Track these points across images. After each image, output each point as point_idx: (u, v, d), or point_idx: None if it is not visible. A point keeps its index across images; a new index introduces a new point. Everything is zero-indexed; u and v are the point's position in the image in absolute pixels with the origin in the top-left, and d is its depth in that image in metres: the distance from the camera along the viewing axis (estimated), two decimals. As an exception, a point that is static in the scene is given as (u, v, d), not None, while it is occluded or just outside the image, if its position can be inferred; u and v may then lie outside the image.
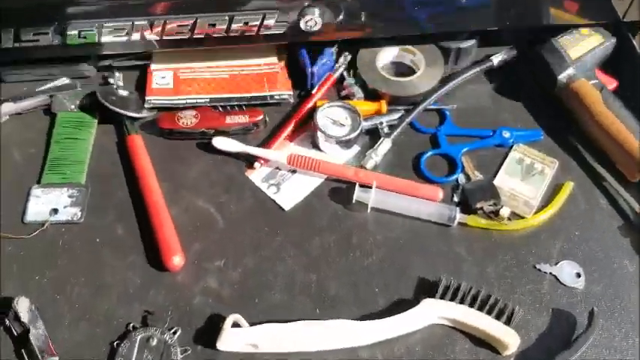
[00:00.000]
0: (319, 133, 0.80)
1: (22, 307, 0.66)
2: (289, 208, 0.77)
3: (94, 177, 0.80)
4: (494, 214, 0.75)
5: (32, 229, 0.74)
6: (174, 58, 0.89)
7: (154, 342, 0.65)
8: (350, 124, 0.81)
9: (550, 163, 0.81)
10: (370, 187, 0.76)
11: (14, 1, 0.78)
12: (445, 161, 0.82)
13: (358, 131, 0.80)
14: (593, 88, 0.82)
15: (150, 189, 0.76)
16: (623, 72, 0.86)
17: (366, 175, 0.78)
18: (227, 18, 0.80)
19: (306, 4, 0.80)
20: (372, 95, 0.86)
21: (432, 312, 0.67)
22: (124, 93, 0.85)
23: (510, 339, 0.65)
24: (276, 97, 0.86)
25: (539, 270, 0.72)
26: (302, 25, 0.81)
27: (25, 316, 0.66)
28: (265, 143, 0.82)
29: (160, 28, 0.81)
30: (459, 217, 0.74)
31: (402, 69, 0.90)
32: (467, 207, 0.76)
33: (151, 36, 0.82)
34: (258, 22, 0.81)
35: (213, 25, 0.81)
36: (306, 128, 0.84)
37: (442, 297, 0.68)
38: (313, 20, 0.80)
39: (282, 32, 0.83)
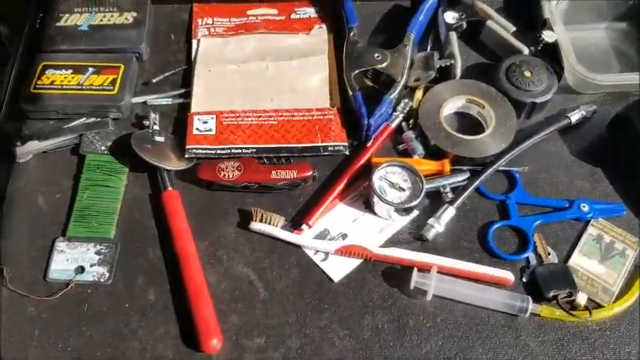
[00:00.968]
0: (375, 198, 0.71)
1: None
2: (338, 280, 0.69)
3: (124, 231, 0.72)
4: (570, 305, 0.67)
5: (55, 287, 0.68)
6: (216, 100, 0.81)
7: None
8: (410, 187, 0.72)
9: (633, 243, 0.72)
10: (429, 272, 0.67)
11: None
12: (515, 234, 0.73)
13: (420, 198, 0.71)
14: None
15: (187, 253, 0.68)
16: None
17: (425, 262, 0.69)
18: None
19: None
20: (433, 151, 0.77)
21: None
22: (160, 139, 0.76)
23: None
24: (330, 148, 0.77)
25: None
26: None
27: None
28: (313, 205, 0.74)
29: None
30: (532, 307, 0.66)
31: (468, 121, 0.81)
32: (538, 292, 0.68)
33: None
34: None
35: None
36: (358, 185, 0.76)
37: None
38: None
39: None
